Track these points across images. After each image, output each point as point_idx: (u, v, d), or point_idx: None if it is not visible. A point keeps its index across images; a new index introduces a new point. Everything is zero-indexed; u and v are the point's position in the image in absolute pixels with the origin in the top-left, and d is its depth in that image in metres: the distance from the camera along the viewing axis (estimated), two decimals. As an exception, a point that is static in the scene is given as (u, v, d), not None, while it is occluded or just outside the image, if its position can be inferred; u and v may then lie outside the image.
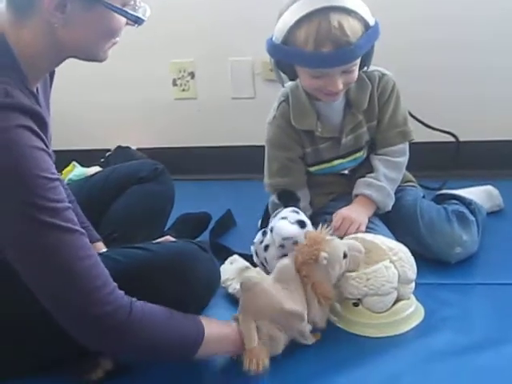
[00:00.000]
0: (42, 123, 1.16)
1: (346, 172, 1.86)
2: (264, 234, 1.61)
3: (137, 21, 1.22)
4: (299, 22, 1.57)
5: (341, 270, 1.45)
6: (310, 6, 1.56)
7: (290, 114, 1.77)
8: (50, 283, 1.14)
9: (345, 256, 1.45)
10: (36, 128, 1.12)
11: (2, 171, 1.08)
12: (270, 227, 1.59)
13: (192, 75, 2.49)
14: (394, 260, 1.48)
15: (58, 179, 1.14)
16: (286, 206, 1.65)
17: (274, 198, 1.84)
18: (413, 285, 1.52)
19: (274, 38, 1.64)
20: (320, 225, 1.48)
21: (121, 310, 1.17)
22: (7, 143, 1.08)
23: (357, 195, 1.78)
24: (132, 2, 1.20)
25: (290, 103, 1.77)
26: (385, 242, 1.53)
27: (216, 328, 1.34)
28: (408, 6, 2.23)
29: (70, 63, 1.32)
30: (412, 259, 1.52)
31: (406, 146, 1.82)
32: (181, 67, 2.49)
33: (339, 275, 1.46)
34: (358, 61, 1.63)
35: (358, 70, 1.65)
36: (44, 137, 1.15)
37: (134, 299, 1.20)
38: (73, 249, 1.13)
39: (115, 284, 1.19)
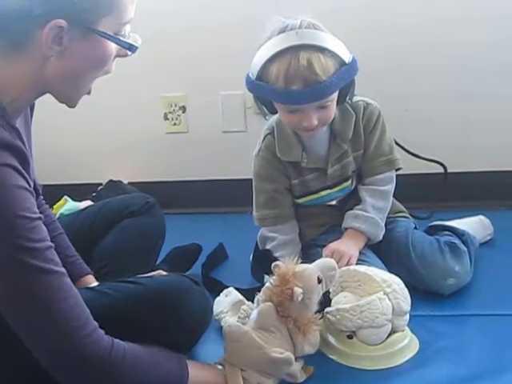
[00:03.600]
0: (24, 159, 1.14)
1: (334, 203, 1.86)
2: None
3: (130, 48, 1.22)
4: (271, 59, 1.60)
5: (319, 296, 1.43)
6: (283, 44, 1.58)
7: (275, 147, 1.78)
8: (28, 323, 1.13)
9: (319, 281, 1.43)
10: (18, 165, 1.11)
11: None
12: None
13: (183, 109, 2.50)
14: (388, 292, 1.48)
15: (39, 218, 1.13)
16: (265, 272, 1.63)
17: (263, 231, 1.85)
18: (407, 317, 1.51)
19: (250, 74, 1.67)
20: (286, 258, 1.47)
21: (100, 352, 1.15)
22: None
23: (346, 228, 1.78)
24: (123, 32, 1.21)
25: (275, 135, 1.78)
26: (378, 273, 1.53)
27: (202, 373, 1.32)
28: (395, 31, 2.24)
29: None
30: (406, 291, 1.51)
31: (393, 173, 1.83)
32: (172, 101, 2.50)
33: (318, 300, 1.44)
34: (334, 97, 1.64)
35: (334, 106, 1.66)
36: (26, 174, 1.14)
37: (116, 340, 1.19)
38: (51, 290, 1.12)
39: (96, 324, 1.17)
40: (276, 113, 1.73)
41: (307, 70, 1.55)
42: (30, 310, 1.11)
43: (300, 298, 1.37)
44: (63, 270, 1.15)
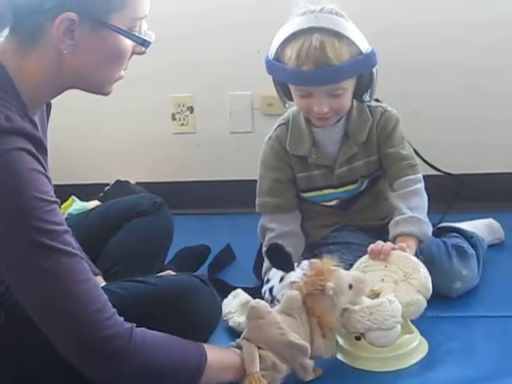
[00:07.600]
0: (42, 147, 1.16)
1: (334, 203, 1.82)
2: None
3: (143, 43, 1.23)
4: (287, 40, 1.62)
5: (346, 301, 1.43)
6: (299, 25, 1.61)
7: (286, 138, 1.78)
8: (49, 306, 1.13)
9: (350, 287, 1.43)
10: (35, 151, 1.13)
11: (0, 193, 1.08)
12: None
13: (191, 110, 2.50)
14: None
15: (56, 202, 1.14)
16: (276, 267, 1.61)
17: (263, 222, 1.83)
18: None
19: (269, 54, 1.69)
20: (323, 255, 1.46)
21: (121, 335, 1.15)
22: (6, 165, 1.08)
23: (395, 239, 1.66)
24: (137, 28, 1.22)
25: (288, 127, 1.79)
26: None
27: (219, 355, 1.33)
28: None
29: (70, 96, 1.32)
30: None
31: (418, 175, 1.76)
32: (180, 102, 2.50)
33: (344, 307, 1.44)
34: (346, 86, 1.63)
35: (348, 97, 1.66)
36: (43, 161, 1.15)
37: (134, 325, 1.19)
38: (72, 272, 1.12)
39: (114, 309, 1.17)
40: (292, 99, 1.73)
41: (319, 51, 1.57)
42: (51, 292, 1.11)
43: (331, 293, 1.39)
44: (81, 254, 1.16)
